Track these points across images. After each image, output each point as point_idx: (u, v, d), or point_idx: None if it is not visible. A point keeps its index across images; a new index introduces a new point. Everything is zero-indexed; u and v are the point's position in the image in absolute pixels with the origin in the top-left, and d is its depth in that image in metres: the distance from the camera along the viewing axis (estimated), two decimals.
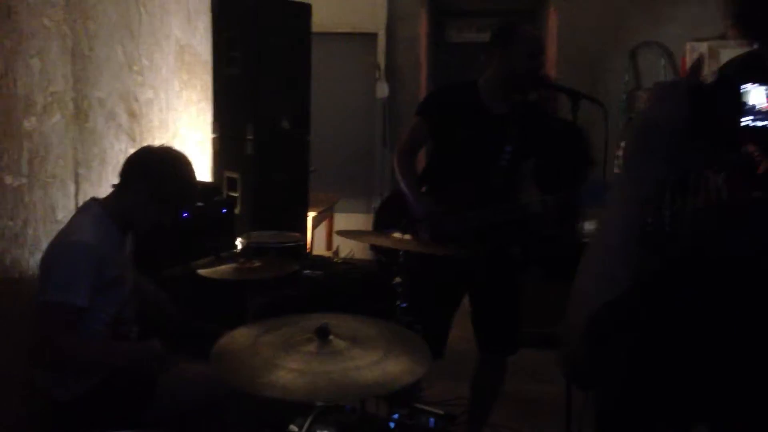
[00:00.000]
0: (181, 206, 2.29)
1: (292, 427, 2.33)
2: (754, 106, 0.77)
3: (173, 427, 2.08)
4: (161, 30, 3.89)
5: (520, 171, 2.72)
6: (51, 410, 2.11)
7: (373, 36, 6.20)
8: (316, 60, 4.55)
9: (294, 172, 4.29)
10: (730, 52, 4.91)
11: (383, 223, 2.86)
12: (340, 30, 6.13)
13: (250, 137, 4.04)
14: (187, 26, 4.27)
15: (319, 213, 5.30)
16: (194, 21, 4.37)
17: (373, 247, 2.90)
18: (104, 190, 3.24)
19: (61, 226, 2.27)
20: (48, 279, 2.03)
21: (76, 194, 3.02)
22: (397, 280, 2.44)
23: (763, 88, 0.77)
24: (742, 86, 0.82)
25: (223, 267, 2.60)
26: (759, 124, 0.76)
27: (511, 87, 2.66)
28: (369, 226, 6.00)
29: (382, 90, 6.06)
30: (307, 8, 4.26)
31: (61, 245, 2.08)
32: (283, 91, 4.17)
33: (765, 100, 0.74)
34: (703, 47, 5.37)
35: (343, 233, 2.50)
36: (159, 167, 2.17)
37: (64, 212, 2.89)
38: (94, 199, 2.22)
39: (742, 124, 0.82)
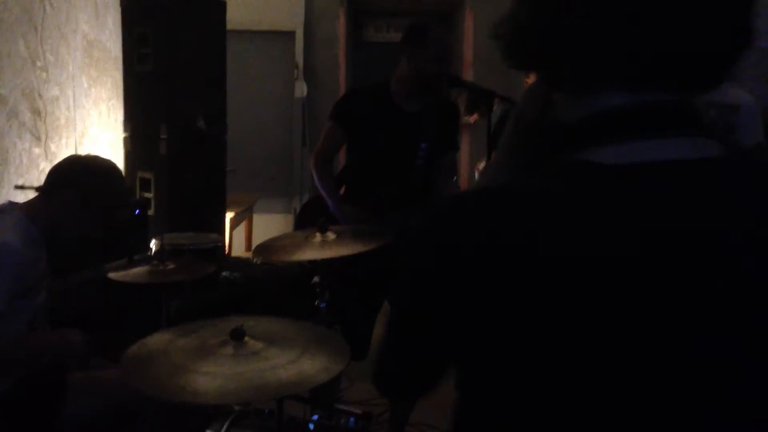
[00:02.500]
0: (111, 216, 2.20)
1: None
2: None
3: None
4: (67, 24, 3.73)
5: (436, 167, 2.75)
6: None
7: (291, 35, 6.15)
8: (234, 58, 4.46)
9: (210, 173, 4.20)
10: None
11: (304, 226, 2.83)
12: (257, 28, 6.05)
13: (163, 136, 3.93)
14: (95, 21, 4.12)
15: (237, 213, 5.21)
16: (103, 16, 4.22)
17: None
18: (6, 192, 3.08)
19: None
20: None
21: None
22: (316, 279, 2.41)
23: None
24: None
25: (135, 270, 2.51)
26: None
27: (420, 87, 2.67)
28: (289, 227, 5.97)
29: (301, 89, 6.03)
30: (222, 5, 4.17)
31: None
32: (198, 90, 4.06)
33: None
34: None
35: (260, 251, 2.39)
36: (88, 176, 2.08)
37: None
38: (11, 203, 2.09)
39: None
